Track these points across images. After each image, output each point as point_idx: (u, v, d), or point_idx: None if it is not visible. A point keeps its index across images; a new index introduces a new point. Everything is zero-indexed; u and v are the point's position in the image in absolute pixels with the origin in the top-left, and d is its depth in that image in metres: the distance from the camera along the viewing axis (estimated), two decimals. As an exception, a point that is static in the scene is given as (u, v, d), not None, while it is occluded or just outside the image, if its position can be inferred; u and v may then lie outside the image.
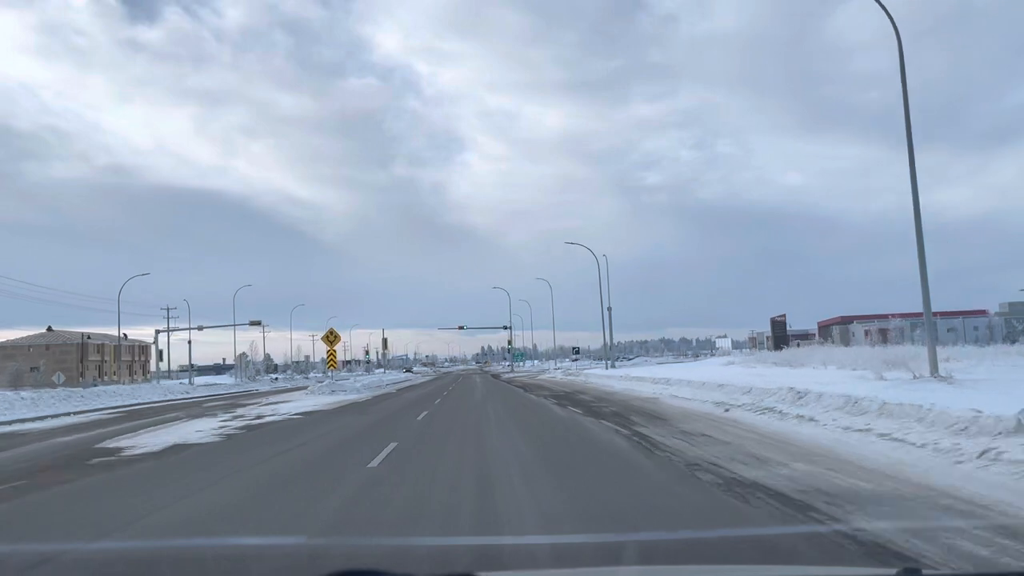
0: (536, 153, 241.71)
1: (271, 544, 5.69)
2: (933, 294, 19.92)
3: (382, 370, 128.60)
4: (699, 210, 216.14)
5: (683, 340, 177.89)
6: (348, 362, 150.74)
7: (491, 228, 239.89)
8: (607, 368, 57.95)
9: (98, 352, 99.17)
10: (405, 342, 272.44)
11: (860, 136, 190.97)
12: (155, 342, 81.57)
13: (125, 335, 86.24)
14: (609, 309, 56.56)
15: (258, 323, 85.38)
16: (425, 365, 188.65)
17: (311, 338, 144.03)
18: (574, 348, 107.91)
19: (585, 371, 59.46)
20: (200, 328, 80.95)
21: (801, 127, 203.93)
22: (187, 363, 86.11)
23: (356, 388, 41.16)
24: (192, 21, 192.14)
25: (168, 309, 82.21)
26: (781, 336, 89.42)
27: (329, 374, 50.26)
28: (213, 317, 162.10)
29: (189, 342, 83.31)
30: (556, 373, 66.34)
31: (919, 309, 21.16)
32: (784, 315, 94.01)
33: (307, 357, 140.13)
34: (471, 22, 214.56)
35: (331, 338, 40.32)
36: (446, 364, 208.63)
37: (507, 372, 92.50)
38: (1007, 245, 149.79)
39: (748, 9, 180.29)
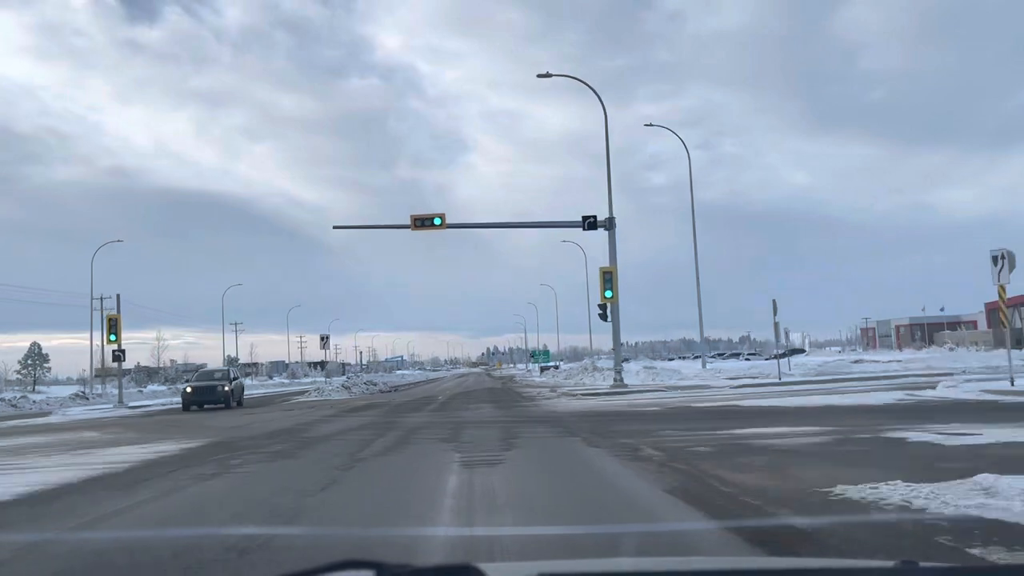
0: (540, 154, 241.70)
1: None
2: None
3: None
4: (704, 210, 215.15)
5: (707, 340, 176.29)
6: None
7: (496, 230, 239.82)
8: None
9: None
10: (405, 343, 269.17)
11: (866, 135, 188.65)
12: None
13: None
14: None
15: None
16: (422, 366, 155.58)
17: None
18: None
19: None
20: None
21: (808, 126, 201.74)
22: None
23: None
24: (192, 21, 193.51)
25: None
26: None
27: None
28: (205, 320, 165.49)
29: None
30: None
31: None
32: None
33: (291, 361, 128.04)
34: (474, 21, 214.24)
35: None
36: (444, 367, 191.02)
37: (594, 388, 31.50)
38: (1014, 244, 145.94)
39: (755, 7, 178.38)
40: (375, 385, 48.20)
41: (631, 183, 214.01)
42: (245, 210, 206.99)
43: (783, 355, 34.65)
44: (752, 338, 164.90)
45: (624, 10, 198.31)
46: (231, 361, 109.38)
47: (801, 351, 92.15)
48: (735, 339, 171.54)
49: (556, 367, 72.08)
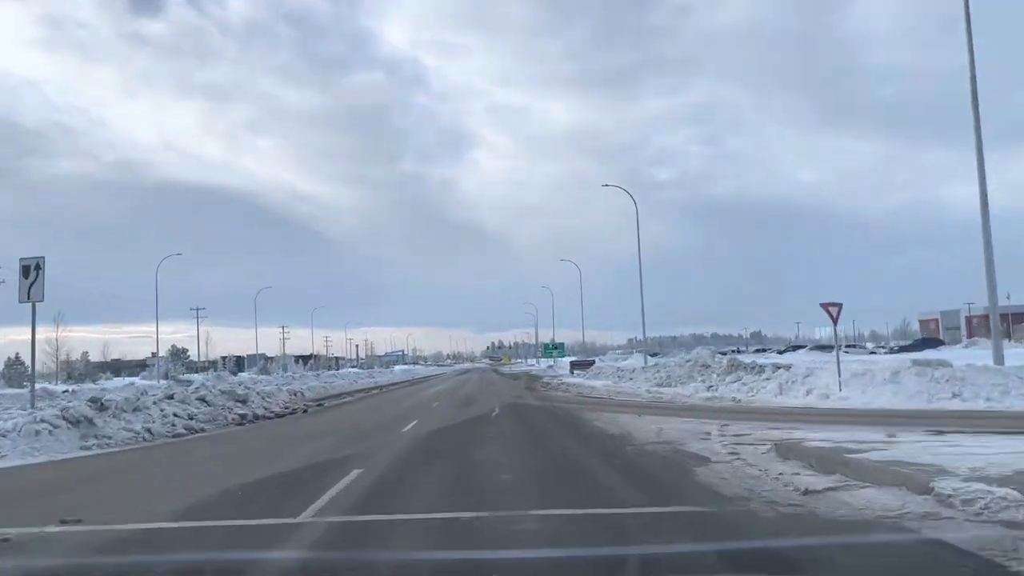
0: (546, 149, 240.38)
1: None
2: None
3: None
4: (709, 207, 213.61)
5: (715, 336, 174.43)
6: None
7: (500, 225, 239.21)
8: None
9: None
10: (406, 337, 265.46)
11: (876, 131, 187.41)
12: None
13: None
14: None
15: None
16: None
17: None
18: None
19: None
20: None
21: (816, 122, 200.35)
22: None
23: None
24: (196, 14, 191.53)
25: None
26: None
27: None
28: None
29: None
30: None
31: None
32: None
33: (268, 356, 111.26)
34: (479, 15, 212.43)
35: None
36: (443, 361, 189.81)
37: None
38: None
39: (761, 2, 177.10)
40: (242, 402, 22.30)
41: (636, 179, 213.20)
42: (250, 205, 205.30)
43: (910, 347, 20.58)
44: (762, 333, 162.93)
45: (631, 4, 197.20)
46: (178, 353, 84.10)
47: (940, 342, 75.03)
48: (745, 335, 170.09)
49: (592, 363, 59.78)
